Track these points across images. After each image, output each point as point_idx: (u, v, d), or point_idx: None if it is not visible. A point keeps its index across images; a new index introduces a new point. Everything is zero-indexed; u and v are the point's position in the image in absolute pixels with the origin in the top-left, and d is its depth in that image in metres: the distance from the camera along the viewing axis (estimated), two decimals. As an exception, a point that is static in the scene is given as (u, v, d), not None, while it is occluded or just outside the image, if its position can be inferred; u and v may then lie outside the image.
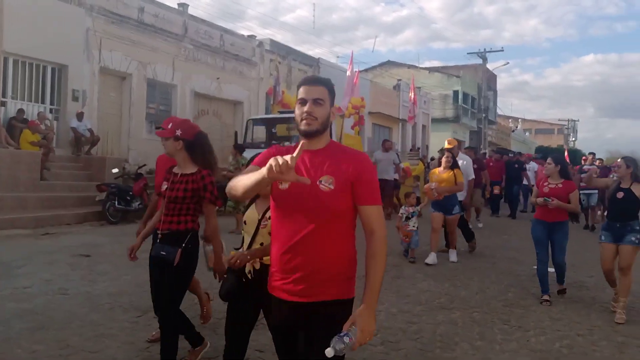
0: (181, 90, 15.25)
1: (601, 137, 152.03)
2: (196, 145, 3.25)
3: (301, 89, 1.99)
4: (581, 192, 11.00)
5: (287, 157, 1.65)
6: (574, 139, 64.22)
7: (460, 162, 7.78)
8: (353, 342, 1.81)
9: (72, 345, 3.77)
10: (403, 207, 7.53)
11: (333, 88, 2.05)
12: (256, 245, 2.78)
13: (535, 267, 5.75)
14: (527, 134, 56.15)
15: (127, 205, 9.95)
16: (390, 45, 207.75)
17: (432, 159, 16.86)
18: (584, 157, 14.17)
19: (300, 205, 1.92)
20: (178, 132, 3.20)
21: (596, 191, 11.13)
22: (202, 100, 16.32)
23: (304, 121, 1.94)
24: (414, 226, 7.26)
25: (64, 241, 7.74)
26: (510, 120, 53.79)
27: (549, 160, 5.65)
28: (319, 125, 1.95)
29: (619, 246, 4.99)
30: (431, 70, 36.73)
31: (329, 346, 1.75)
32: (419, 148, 26.14)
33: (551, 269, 5.60)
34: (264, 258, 2.68)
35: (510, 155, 16.10)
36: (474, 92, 36.26)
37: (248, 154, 13.06)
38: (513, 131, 47.55)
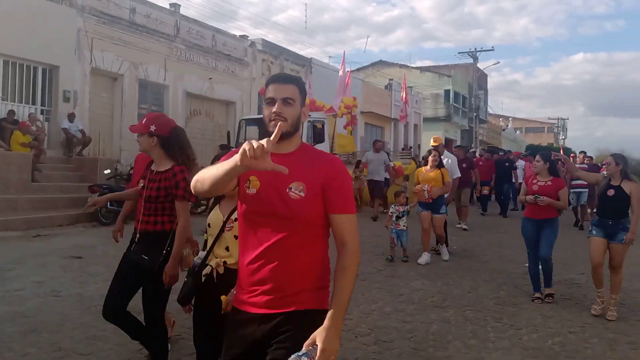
0: (173, 91, 15.20)
1: (591, 136, 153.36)
2: (172, 141, 3.09)
3: (269, 88, 1.85)
4: (572, 190, 11.05)
5: (263, 141, 1.51)
6: (563, 137, 64.75)
7: (445, 161, 7.76)
8: None
9: (65, 348, 3.76)
10: (393, 206, 7.48)
11: (304, 86, 1.91)
12: (220, 249, 2.63)
13: (527, 265, 5.80)
14: (517, 132, 56.48)
15: (120, 206, 9.87)
16: (382, 45, 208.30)
17: (424, 158, 16.85)
18: (572, 155, 14.20)
19: (268, 212, 1.78)
20: (152, 128, 3.05)
21: (586, 190, 11.16)
22: (194, 100, 16.27)
23: (273, 122, 1.79)
24: (404, 225, 7.22)
25: (55, 243, 7.70)
26: (501, 119, 54.08)
27: (537, 157, 5.62)
28: (289, 126, 1.81)
29: (611, 244, 4.98)
30: (422, 69, 36.87)
31: None
32: (411, 147, 26.23)
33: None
34: (229, 262, 2.57)
35: (500, 153, 16.11)
36: (465, 92, 36.43)
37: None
38: (504, 130, 47.81)
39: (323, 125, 13.69)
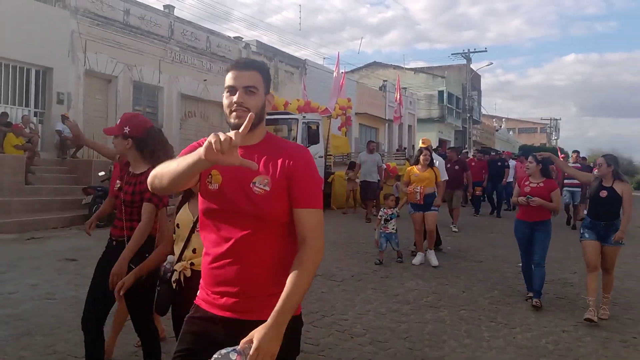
0: (168, 92, 15.18)
1: (583, 136, 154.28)
2: (148, 142, 2.91)
3: (229, 75, 1.70)
4: (565, 188, 11.09)
5: (231, 133, 1.40)
6: (556, 137, 65.12)
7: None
8: None
9: (60, 351, 3.75)
10: (382, 209, 7.35)
11: (268, 72, 1.77)
12: (188, 251, 2.51)
13: (520, 265, 5.83)
14: (510, 133, 56.75)
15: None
16: (376, 47, 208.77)
17: (411, 157, 16.68)
18: (562, 155, 14.15)
19: (231, 209, 1.65)
20: (126, 130, 2.89)
21: (580, 189, 11.19)
22: (189, 102, 16.26)
23: (234, 113, 1.65)
24: (393, 228, 7.09)
25: (50, 245, 7.67)
26: (494, 120, 54.34)
27: (530, 159, 5.54)
28: (253, 117, 1.63)
29: (604, 247, 4.90)
30: (416, 71, 37.02)
31: None
32: (405, 148, 26.30)
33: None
34: (196, 264, 2.42)
35: (492, 153, 16.10)
36: (459, 92, 36.59)
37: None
38: (497, 130, 48.03)
39: (318, 127, 13.71)
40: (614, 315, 5.04)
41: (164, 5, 15.87)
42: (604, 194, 4.91)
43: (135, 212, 2.92)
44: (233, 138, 1.38)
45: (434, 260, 7.03)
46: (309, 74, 20.68)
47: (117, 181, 3.08)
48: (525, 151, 20.04)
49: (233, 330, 1.63)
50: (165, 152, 2.93)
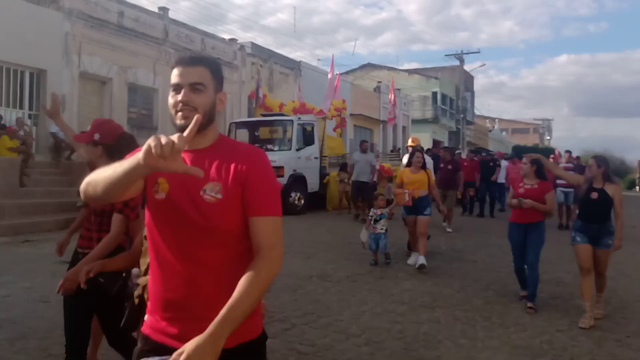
0: (163, 95, 15.15)
1: (576, 136, 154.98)
2: (119, 149, 2.63)
3: (174, 72, 1.53)
4: (558, 189, 11.06)
5: (174, 137, 1.24)
6: (549, 138, 65.52)
7: None
8: None
9: (54, 354, 3.73)
10: (372, 209, 7.24)
11: (219, 68, 1.60)
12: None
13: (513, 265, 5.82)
14: (503, 133, 56.97)
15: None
16: (371, 48, 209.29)
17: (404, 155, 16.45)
18: (552, 155, 14.07)
19: (180, 220, 1.47)
20: (96, 136, 2.72)
21: (573, 189, 11.16)
22: (183, 104, 16.22)
23: (180, 113, 1.49)
24: (381, 229, 6.94)
25: (44, 248, 7.63)
26: (487, 121, 54.56)
27: (524, 160, 5.44)
28: (201, 117, 1.46)
29: (596, 250, 4.81)
30: (410, 72, 37.15)
31: None
32: (399, 149, 26.35)
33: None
34: None
35: (483, 154, 16.03)
36: (452, 93, 36.72)
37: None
38: (490, 131, 48.21)
39: (313, 128, 13.72)
40: (608, 314, 5.08)
41: (158, 7, 15.83)
42: (594, 195, 4.81)
43: (106, 222, 2.74)
44: (176, 142, 1.23)
45: (421, 259, 6.63)
46: (304, 76, 20.71)
47: None
48: (518, 152, 20.08)
49: None
50: None
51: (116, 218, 2.69)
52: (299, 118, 13.80)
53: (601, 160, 4.92)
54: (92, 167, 3.04)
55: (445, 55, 37.22)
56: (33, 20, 11.71)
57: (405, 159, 8.57)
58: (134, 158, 1.29)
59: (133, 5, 14.48)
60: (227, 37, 18.54)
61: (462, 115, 36.75)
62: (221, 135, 1.61)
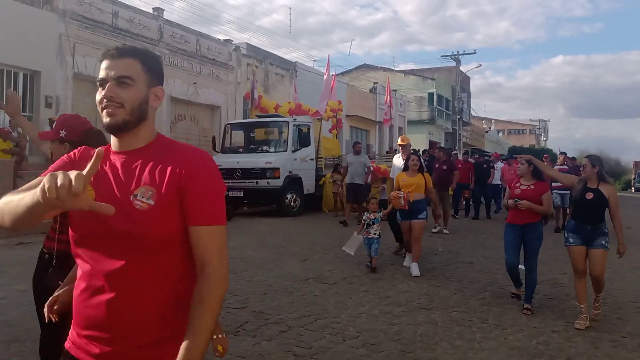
0: (157, 96, 15.11)
1: (571, 137, 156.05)
2: (87, 146, 2.60)
3: (101, 66, 1.41)
4: (554, 191, 11.02)
5: (73, 175, 1.09)
6: (545, 138, 65.81)
7: None
8: None
9: (51, 357, 3.72)
10: (365, 213, 7.12)
11: (153, 60, 1.46)
12: None
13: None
14: (500, 134, 57.19)
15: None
16: (366, 49, 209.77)
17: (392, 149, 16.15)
18: (545, 155, 14.04)
19: (106, 231, 1.33)
20: (62, 133, 2.59)
21: (569, 191, 11.13)
22: (179, 105, 16.20)
23: (105, 110, 1.38)
24: (374, 233, 6.82)
25: (38, 250, 7.59)
26: (483, 122, 54.73)
27: (520, 160, 5.37)
28: (128, 114, 1.37)
29: (590, 251, 4.72)
30: (406, 73, 37.22)
31: None
32: (395, 150, 26.38)
33: (521, 266, 5.38)
34: None
35: (475, 155, 15.88)
36: (448, 94, 36.82)
37: (225, 158, 13.09)
38: (487, 132, 48.36)
39: (309, 129, 13.72)
40: (604, 315, 5.08)
41: (153, 8, 15.80)
42: (589, 196, 4.73)
43: (67, 224, 2.55)
44: (74, 184, 1.08)
45: (415, 270, 6.60)
46: (300, 77, 20.71)
47: None
48: (513, 153, 20.12)
49: None
50: None
51: None
52: (295, 119, 13.79)
53: (595, 159, 4.85)
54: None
55: (441, 56, 37.35)
56: (27, 21, 11.65)
57: (395, 159, 8.51)
58: (34, 193, 1.14)
59: (127, 6, 14.43)
60: (222, 37, 18.50)
61: (458, 116, 36.85)
62: (159, 135, 1.48)
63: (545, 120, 67.67)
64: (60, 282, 2.34)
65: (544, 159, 13.06)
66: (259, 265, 6.88)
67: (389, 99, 22.12)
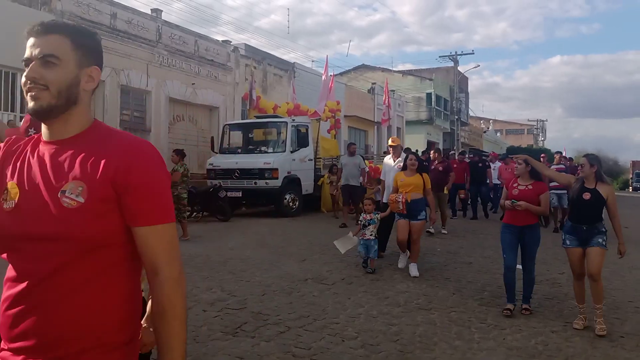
0: (156, 96, 15.09)
1: (569, 137, 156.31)
2: None
3: (27, 44, 1.27)
4: (552, 191, 11.00)
5: None
6: (543, 138, 65.95)
7: (402, 162, 7.52)
8: None
9: None
10: (361, 214, 7.02)
11: (85, 36, 1.29)
12: None
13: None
14: (498, 134, 57.27)
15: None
16: (365, 49, 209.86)
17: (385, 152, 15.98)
18: (542, 155, 14.01)
19: (31, 233, 1.19)
20: (31, 131, 2.50)
21: (566, 191, 11.11)
22: (177, 106, 16.18)
23: (29, 94, 1.23)
24: (371, 235, 6.75)
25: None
26: (482, 122, 54.81)
27: (518, 160, 5.29)
28: (53, 98, 1.22)
29: (587, 249, 4.66)
30: (404, 73, 37.24)
31: None
32: (402, 149, 26.38)
33: (519, 266, 5.29)
34: None
35: (470, 155, 15.86)
36: (447, 95, 36.84)
37: (223, 159, 13.09)
38: (485, 132, 48.41)
39: (307, 130, 13.73)
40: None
41: (151, 9, 15.79)
42: (587, 196, 4.66)
43: None
44: None
45: (414, 271, 6.58)
46: (298, 77, 20.70)
47: None
48: (511, 153, 20.10)
49: None
50: None
51: None
52: (293, 120, 13.80)
53: (593, 159, 4.77)
54: None
55: (440, 57, 37.36)
56: (24, 22, 11.50)
57: (386, 160, 8.45)
58: None
59: (126, 7, 14.42)
60: (220, 38, 18.49)
61: (456, 117, 36.86)
62: (96, 123, 1.30)
63: (543, 120, 67.87)
64: None
65: (541, 159, 13.06)
66: (258, 266, 6.88)
67: (387, 99, 22.13)
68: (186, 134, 16.56)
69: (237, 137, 14.36)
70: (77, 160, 1.22)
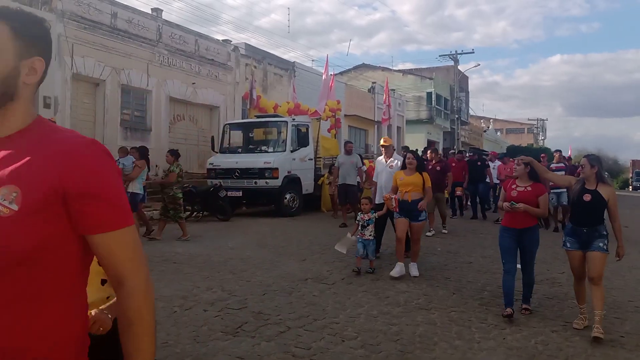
0: (156, 96, 15.10)
1: (569, 136, 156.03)
2: None
3: None
4: (551, 191, 10.99)
5: None
6: (543, 137, 65.93)
7: (395, 163, 7.49)
8: None
9: None
10: (359, 214, 6.93)
11: (27, 24, 1.15)
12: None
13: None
14: (498, 133, 57.25)
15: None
16: (365, 48, 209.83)
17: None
18: (543, 155, 13.97)
19: None
20: None
21: (565, 190, 11.09)
22: (177, 105, 16.19)
23: None
24: (370, 235, 6.68)
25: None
26: (482, 121, 54.79)
27: (517, 161, 5.17)
28: None
29: (587, 253, 4.56)
30: (405, 72, 37.26)
31: None
32: (394, 149, 26.38)
33: (518, 265, 5.19)
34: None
35: (470, 154, 15.77)
36: (447, 94, 36.84)
37: (223, 158, 13.09)
38: (485, 131, 48.39)
39: (307, 129, 13.73)
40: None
41: (151, 9, 15.79)
42: (587, 197, 4.54)
43: None
44: None
45: (414, 271, 6.55)
46: (298, 77, 20.70)
47: None
48: (512, 152, 20.06)
49: None
50: None
51: None
52: (294, 119, 13.80)
53: (594, 159, 4.65)
54: None
55: (440, 56, 37.35)
56: (25, 21, 11.64)
57: (378, 160, 8.40)
58: None
59: (126, 6, 14.42)
60: (220, 38, 18.50)
61: (456, 116, 36.87)
62: (38, 120, 1.17)
63: (543, 119, 67.85)
64: None
65: (541, 159, 13.04)
66: (258, 266, 6.89)
67: (387, 98, 22.14)
68: (186, 134, 16.57)
69: (237, 137, 14.37)
70: (12, 162, 1.08)
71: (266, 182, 12.20)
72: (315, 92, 17.04)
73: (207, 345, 4.06)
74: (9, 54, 1.11)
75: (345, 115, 22.68)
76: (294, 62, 21.85)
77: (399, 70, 37.73)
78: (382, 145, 7.92)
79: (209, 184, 12.45)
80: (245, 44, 19.71)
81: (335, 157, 15.68)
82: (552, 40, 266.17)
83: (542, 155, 13.93)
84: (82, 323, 1.17)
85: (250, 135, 14.14)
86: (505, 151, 29.51)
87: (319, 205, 13.88)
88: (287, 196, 12.54)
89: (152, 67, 14.88)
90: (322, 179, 13.77)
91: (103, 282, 1.88)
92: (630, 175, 53.08)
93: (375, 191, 7.94)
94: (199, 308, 4.97)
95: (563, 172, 10.70)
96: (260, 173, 12.25)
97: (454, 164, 12.48)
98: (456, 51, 35.93)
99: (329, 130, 17.72)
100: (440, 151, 15.61)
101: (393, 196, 6.53)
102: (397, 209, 6.50)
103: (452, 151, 17.73)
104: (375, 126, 27.72)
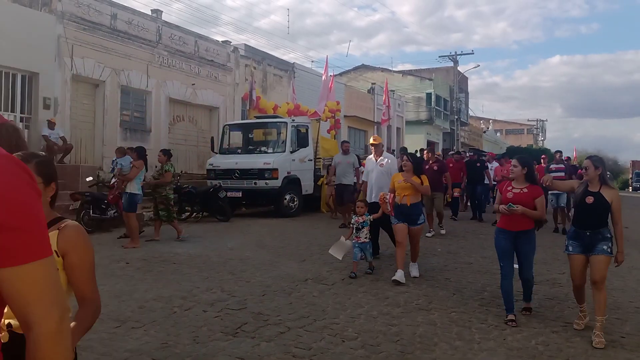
0: (156, 97, 15.10)
1: (569, 137, 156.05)
2: None
3: None
4: (549, 192, 10.94)
5: None
6: (542, 138, 65.98)
7: (385, 161, 7.46)
8: None
9: None
10: (353, 217, 6.84)
11: None
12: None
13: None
14: (498, 134, 57.26)
15: (103, 213, 9.82)
16: (364, 49, 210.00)
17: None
18: (543, 156, 13.92)
19: None
20: None
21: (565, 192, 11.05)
22: (177, 106, 16.19)
23: None
24: (365, 237, 6.62)
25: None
26: (481, 122, 54.81)
27: (514, 162, 5.01)
28: None
29: (590, 257, 4.44)
30: (404, 73, 37.28)
31: None
32: (393, 150, 26.40)
33: (515, 265, 5.13)
34: (14, 325, 1.65)
35: (469, 154, 15.71)
36: (446, 95, 36.86)
37: (223, 159, 13.09)
38: (485, 132, 48.40)
39: (307, 130, 13.73)
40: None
41: (151, 10, 15.80)
42: (590, 200, 4.43)
43: None
44: None
45: (414, 271, 6.55)
46: (298, 78, 20.71)
47: None
48: (511, 153, 20.01)
49: None
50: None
51: None
52: (293, 120, 13.80)
53: (597, 161, 4.53)
54: None
55: (439, 57, 37.39)
56: (25, 23, 11.63)
57: (368, 159, 8.38)
58: None
59: (126, 7, 14.43)
60: (220, 39, 18.51)
61: (456, 117, 36.88)
62: None
63: (542, 120, 67.89)
64: None
65: (541, 160, 13.03)
66: (258, 266, 6.88)
67: (387, 99, 22.14)
68: (186, 135, 16.56)
69: (237, 138, 14.37)
70: None
71: (266, 183, 12.20)
72: (315, 93, 17.03)
73: (206, 346, 4.06)
74: None
75: (344, 116, 22.69)
76: (293, 63, 21.86)
77: (399, 71, 37.76)
78: (372, 144, 7.86)
79: (208, 184, 12.45)
80: (245, 45, 19.70)
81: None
82: (552, 41, 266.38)
83: (542, 156, 13.89)
84: None
85: (250, 136, 14.15)
86: (504, 152, 29.50)
87: (318, 206, 13.88)
88: (287, 197, 12.54)
89: (152, 68, 14.88)
90: (321, 179, 13.78)
91: None
92: (630, 175, 53.17)
93: (366, 190, 7.82)
94: (198, 308, 4.96)
95: (563, 173, 10.71)
96: (260, 174, 12.25)
97: (451, 165, 12.44)
98: (456, 52, 35.99)
99: (328, 131, 17.73)
100: (440, 152, 15.59)
101: (387, 198, 6.45)
102: (392, 213, 6.43)
103: (451, 152, 17.70)
104: (375, 127, 27.71)
